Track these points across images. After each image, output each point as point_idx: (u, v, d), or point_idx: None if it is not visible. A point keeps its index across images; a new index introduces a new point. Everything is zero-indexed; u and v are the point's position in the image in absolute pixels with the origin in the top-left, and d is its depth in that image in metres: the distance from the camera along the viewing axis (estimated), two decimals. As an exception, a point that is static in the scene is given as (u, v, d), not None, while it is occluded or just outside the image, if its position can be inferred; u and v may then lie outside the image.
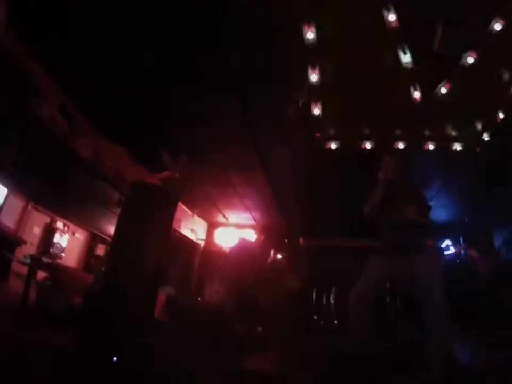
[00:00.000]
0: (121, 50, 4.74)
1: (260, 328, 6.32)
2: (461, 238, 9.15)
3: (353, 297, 3.69)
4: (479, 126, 5.98)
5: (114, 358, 3.10)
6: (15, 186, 5.43)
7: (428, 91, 5.29)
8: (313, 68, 5.12)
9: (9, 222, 5.45)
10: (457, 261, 8.75)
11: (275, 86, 5.12)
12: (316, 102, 5.58)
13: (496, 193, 7.43)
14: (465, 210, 8.93)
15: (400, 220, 3.57)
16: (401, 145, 6.18)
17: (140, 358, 3.17)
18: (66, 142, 5.53)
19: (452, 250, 9.27)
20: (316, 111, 5.64)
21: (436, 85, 5.25)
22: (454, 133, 6.15)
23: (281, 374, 3.05)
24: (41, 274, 5.42)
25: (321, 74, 5.18)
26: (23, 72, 4.78)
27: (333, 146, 6.30)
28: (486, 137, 5.98)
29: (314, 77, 5.22)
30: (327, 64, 5.12)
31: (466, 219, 9.16)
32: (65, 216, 6.28)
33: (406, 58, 4.93)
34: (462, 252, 8.71)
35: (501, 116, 5.59)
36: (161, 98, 5.52)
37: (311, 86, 5.34)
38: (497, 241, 8.25)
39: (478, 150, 6.11)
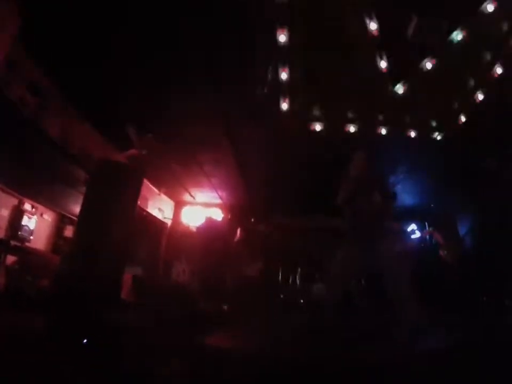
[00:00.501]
0: (91, 23, 4.59)
1: (225, 306, 6.40)
2: (426, 223, 9.46)
3: (328, 284, 4.16)
4: (455, 110, 6.09)
5: (85, 340, 3.11)
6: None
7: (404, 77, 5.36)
8: (283, 48, 5.08)
9: (-25, 206, 5.30)
10: (422, 245, 9.06)
11: (245, 65, 5.09)
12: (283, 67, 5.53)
13: (462, 181, 7.65)
14: (431, 196, 9.19)
15: (367, 208, 3.89)
16: (383, 131, 6.26)
17: (108, 338, 3.18)
18: (33, 121, 5.37)
19: (418, 234, 9.58)
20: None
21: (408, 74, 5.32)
22: (431, 118, 6.25)
23: (244, 350, 3.12)
24: (10, 258, 5.32)
25: (292, 54, 5.14)
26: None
27: (317, 128, 6.31)
28: (462, 120, 6.10)
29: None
30: (298, 47, 5.08)
31: (432, 205, 9.44)
32: (33, 197, 6.13)
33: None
34: (427, 236, 9.01)
35: (479, 97, 5.69)
36: (130, 75, 5.39)
37: (280, 66, 5.31)
38: (462, 228, 8.55)
39: (454, 133, 6.24)
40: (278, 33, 4.87)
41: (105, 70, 5.35)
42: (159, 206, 10.29)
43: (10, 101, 4.86)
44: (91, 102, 6.12)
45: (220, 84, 5.52)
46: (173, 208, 11.33)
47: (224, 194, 10.38)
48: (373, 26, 4.76)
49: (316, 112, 6.21)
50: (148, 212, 9.43)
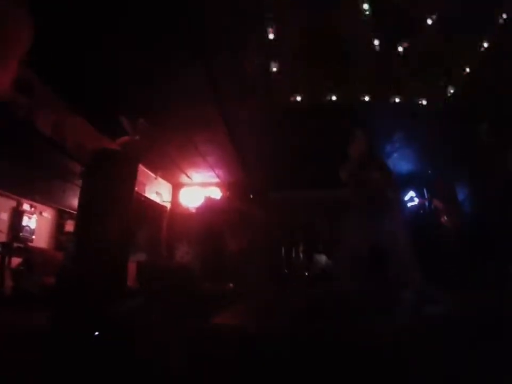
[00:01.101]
0: (80, 15, 4.47)
1: (232, 285, 6.43)
2: (425, 190, 9.43)
3: (339, 257, 4.47)
4: (444, 79, 6.01)
5: (94, 334, 3.10)
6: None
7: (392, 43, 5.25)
8: (272, 22, 4.98)
9: (-25, 212, 5.28)
10: (421, 212, 9.07)
11: (235, 42, 4.99)
12: (276, 56, 5.45)
13: (459, 146, 7.61)
14: (428, 163, 9.15)
15: (368, 184, 4.15)
16: (366, 98, 6.18)
17: (116, 329, 3.18)
18: (24, 118, 5.27)
19: (416, 201, 9.58)
20: (275, 65, 5.52)
21: (400, 36, 5.21)
22: (419, 87, 6.17)
23: (252, 328, 3.13)
24: (15, 260, 5.35)
25: (281, 29, 5.04)
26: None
27: (298, 98, 6.22)
28: (451, 90, 6.05)
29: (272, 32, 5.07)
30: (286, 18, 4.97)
31: (429, 172, 9.40)
32: (31, 196, 6.11)
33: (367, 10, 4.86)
34: (426, 203, 9.01)
35: (467, 69, 5.62)
36: (116, 60, 5.28)
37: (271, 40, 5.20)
38: (461, 194, 8.53)
39: (442, 104, 6.21)
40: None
41: (91, 59, 5.23)
42: (156, 190, 10.27)
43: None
44: (80, 94, 6.00)
45: (208, 58, 5.40)
46: (171, 191, 11.31)
47: (221, 172, 10.33)
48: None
49: (305, 80, 6.12)
50: (145, 197, 9.42)
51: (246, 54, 5.32)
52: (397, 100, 6.23)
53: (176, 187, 11.34)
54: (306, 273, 9.05)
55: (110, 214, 4.56)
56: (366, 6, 4.80)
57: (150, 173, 9.81)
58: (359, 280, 4.18)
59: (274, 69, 5.56)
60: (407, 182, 9.57)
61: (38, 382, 2.46)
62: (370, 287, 5.52)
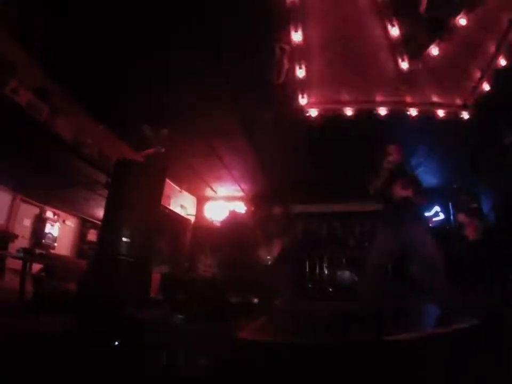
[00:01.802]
0: (98, 19, 4.54)
1: (256, 298, 6.38)
2: (450, 204, 9.24)
3: (368, 265, 4.21)
4: (465, 91, 5.92)
5: (115, 341, 3.10)
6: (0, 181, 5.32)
7: (414, 56, 5.19)
8: (296, 29, 4.96)
9: (-1, 218, 5.38)
10: (447, 227, 8.87)
11: (257, 48, 4.97)
12: (299, 64, 5.41)
13: (483, 158, 7.44)
14: (452, 176, 8.97)
15: (400, 198, 4.12)
16: (383, 112, 6.10)
17: (139, 338, 3.18)
18: (46, 126, 5.37)
19: (441, 216, 9.39)
20: (299, 73, 5.47)
21: (422, 49, 5.14)
22: (438, 99, 6.08)
23: (277, 342, 3.08)
24: (37, 266, 5.39)
25: (305, 36, 5.02)
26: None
27: (313, 113, 6.18)
28: (472, 102, 5.94)
29: (297, 37, 5.04)
30: (310, 25, 4.95)
31: (454, 185, 9.22)
32: (54, 204, 6.21)
33: (393, 31, 4.83)
34: (451, 217, 8.82)
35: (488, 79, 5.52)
36: (137, 71, 5.36)
37: (294, 48, 5.18)
38: (486, 206, 8.32)
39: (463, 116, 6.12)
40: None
41: (111, 68, 5.32)
42: (181, 203, 10.33)
43: (20, 109, 4.85)
44: (103, 103, 6.12)
45: (228, 66, 5.41)
46: (195, 204, 11.34)
47: (245, 186, 10.30)
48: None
49: (331, 92, 6.07)
50: (170, 210, 9.45)
51: (267, 60, 5.30)
52: (417, 112, 6.14)
53: (201, 200, 11.38)
54: (330, 289, 8.93)
55: (136, 225, 4.60)
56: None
57: (174, 185, 9.88)
58: (382, 293, 4.18)
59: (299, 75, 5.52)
60: (432, 196, 9.38)
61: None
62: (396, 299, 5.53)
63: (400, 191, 4.10)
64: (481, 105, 5.91)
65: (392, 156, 4.33)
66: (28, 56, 5.07)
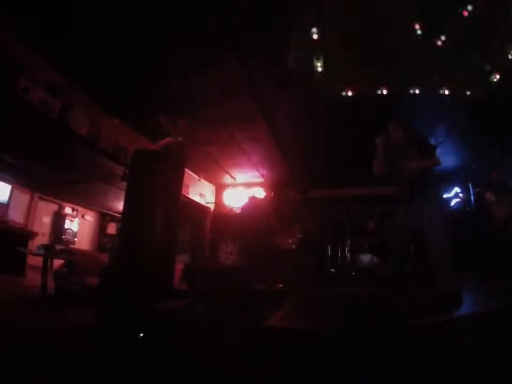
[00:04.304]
0: (112, 10, 4.45)
1: (280, 285, 6.33)
2: (470, 185, 9.01)
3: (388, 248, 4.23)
4: (487, 69, 5.68)
5: (140, 334, 3.09)
6: (18, 181, 5.35)
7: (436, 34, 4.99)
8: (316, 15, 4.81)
9: (18, 217, 5.49)
10: (467, 208, 8.69)
11: (274, 35, 4.84)
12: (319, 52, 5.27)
13: (503, 136, 7.21)
14: (472, 157, 8.73)
15: (409, 171, 4.00)
16: (416, 90, 5.90)
17: (164, 327, 3.16)
18: (59, 122, 5.36)
19: (461, 197, 9.19)
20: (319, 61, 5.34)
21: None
22: (462, 77, 5.85)
23: (304, 328, 3.01)
24: (57, 262, 5.45)
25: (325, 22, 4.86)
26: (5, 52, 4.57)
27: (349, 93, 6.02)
28: (493, 80, 5.71)
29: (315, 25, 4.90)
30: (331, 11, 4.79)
31: (474, 165, 8.98)
32: (73, 200, 6.24)
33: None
34: (472, 198, 8.61)
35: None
36: (152, 61, 5.28)
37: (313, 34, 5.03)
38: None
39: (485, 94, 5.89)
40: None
41: (126, 60, 5.25)
42: (200, 192, 10.33)
43: (32, 106, 4.85)
44: (117, 95, 6.07)
45: (245, 52, 5.28)
46: (214, 192, 11.33)
47: (264, 171, 10.18)
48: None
49: (348, 74, 5.91)
50: (189, 198, 9.44)
51: (285, 46, 5.16)
52: (440, 90, 5.93)
53: (220, 188, 11.35)
54: (353, 273, 8.85)
55: (156, 215, 4.56)
56: None
57: (193, 174, 9.87)
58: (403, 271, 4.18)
59: (317, 63, 5.39)
60: (451, 178, 9.17)
61: (86, 379, 2.45)
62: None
63: (412, 164, 3.96)
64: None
65: (394, 131, 4.24)
66: (37, 53, 5.04)
